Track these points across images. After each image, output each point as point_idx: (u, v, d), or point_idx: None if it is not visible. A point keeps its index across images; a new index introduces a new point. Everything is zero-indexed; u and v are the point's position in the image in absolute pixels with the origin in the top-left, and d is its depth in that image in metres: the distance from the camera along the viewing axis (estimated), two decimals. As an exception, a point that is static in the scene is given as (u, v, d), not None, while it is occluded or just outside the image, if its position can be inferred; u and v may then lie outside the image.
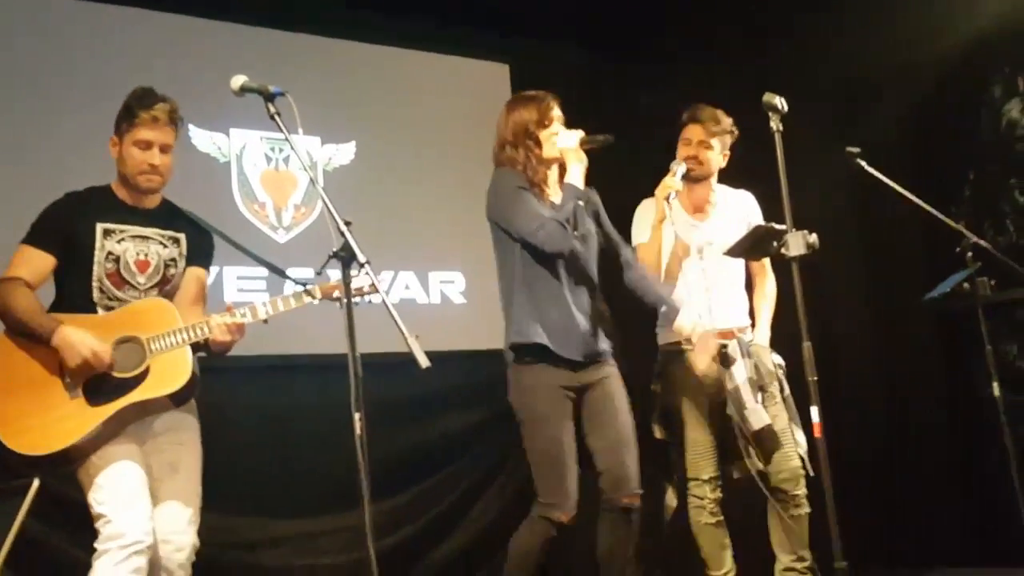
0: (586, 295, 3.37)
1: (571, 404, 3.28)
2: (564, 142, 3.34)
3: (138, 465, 2.87)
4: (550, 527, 3.21)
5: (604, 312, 3.46)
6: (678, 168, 3.74)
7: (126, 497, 2.80)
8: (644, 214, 3.85)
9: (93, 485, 2.82)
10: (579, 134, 3.35)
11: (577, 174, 3.32)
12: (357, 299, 2.80)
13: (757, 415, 3.61)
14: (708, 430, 3.71)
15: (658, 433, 3.80)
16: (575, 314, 3.30)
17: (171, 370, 2.90)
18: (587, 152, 3.35)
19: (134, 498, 2.81)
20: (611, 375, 3.38)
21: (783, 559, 3.69)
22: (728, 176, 3.95)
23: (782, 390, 3.76)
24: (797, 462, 3.65)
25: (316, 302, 3.02)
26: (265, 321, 3.02)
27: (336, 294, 2.97)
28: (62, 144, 4.27)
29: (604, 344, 3.38)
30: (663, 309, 3.73)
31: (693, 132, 3.84)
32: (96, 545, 2.77)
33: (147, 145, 3.01)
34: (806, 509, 3.66)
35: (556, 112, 3.40)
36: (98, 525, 2.79)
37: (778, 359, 3.79)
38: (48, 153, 4.26)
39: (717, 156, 3.84)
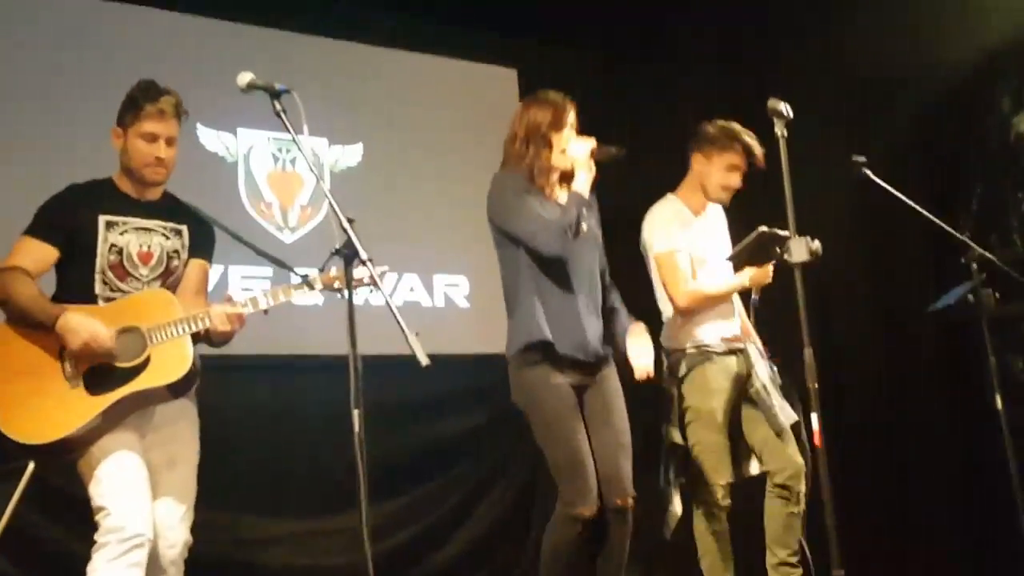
0: (590, 298, 3.39)
1: (577, 400, 3.31)
2: (575, 151, 3.35)
3: (139, 458, 2.85)
4: (576, 523, 3.22)
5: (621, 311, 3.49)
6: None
7: (127, 490, 2.78)
8: (664, 222, 3.86)
9: (93, 477, 2.80)
10: (591, 143, 3.36)
11: (584, 183, 3.34)
12: (358, 291, 2.81)
13: (786, 412, 3.69)
14: (725, 433, 3.73)
15: (676, 437, 3.76)
16: (581, 316, 3.33)
17: (171, 360, 2.89)
18: (596, 163, 3.36)
19: (134, 491, 2.79)
20: (610, 376, 3.40)
21: (779, 554, 3.69)
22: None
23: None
24: (802, 461, 3.70)
25: (318, 291, 3.01)
26: (265, 312, 3.01)
27: (337, 285, 2.96)
28: (68, 141, 4.28)
29: (604, 348, 3.40)
30: (667, 317, 3.82)
31: (739, 160, 3.80)
32: (96, 538, 2.75)
33: (153, 138, 3.00)
34: (803, 506, 3.69)
35: (571, 118, 3.41)
36: (98, 518, 2.77)
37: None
38: (53, 151, 4.27)
39: None
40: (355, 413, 2.56)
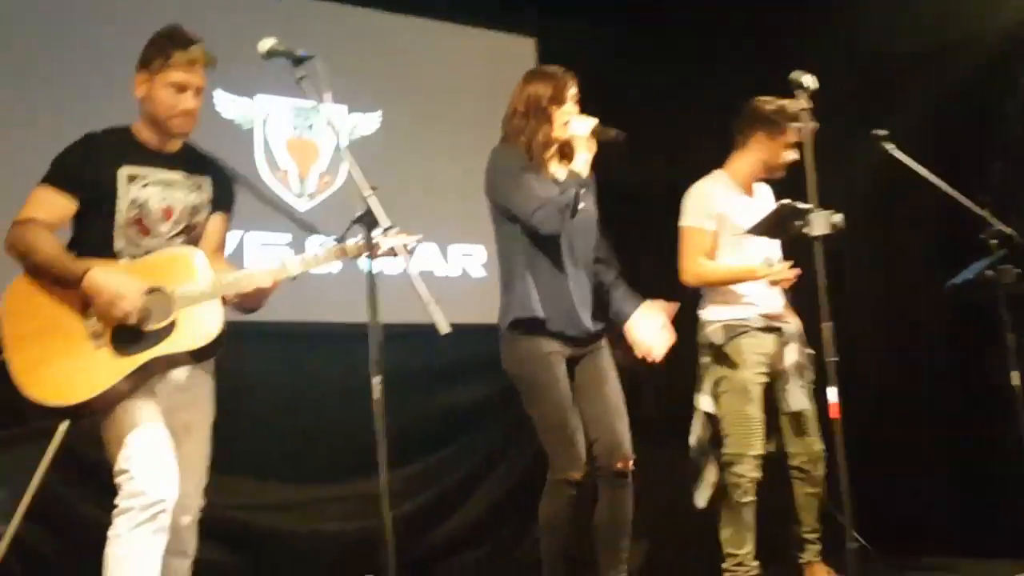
0: (584, 276, 3.42)
1: (566, 370, 3.35)
2: (577, 129, 3.34)
3: (164, 423, 2.78)
4: (567, 488, 3.27)
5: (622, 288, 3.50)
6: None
7: (153, 455, 2.71)
8: (699, 197, 3.89)
9: (118, 441, 2.71)
10: (593, 122, 3.34)
11: (583, 162, 3.33)
12: (388, 260, 2.75)
13: (796, 398, 3.75)
14: (760, 407, 3.78)
15: (707, 406, 3.82)
16: (573, 293, 3.36)
17: (200, 324, 2.77)
18: (597, 143, 3.35)
19: (161, 456, 2.72)
20: (601, 347, 3.44)
21: (797, 530, 3.89)
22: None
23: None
24: (820, 446, 3.81)
25: (352, 258, 2.85)
26: (293, 278, 2.89)
27: (370, 254, 2.75)
28: (80, 106, 4.22)
29: (596, 325, 3.43)
30: (705, 290, 3.88)
31: (797, 135, 3.75)
32: (117, 502, 2.68)
33: (182, 88, 2.84)
34: (821, 488, 3.82)
35: (572, 92, 3.40)
36: (120, 480, 2.69)
37: (808, 349, 3.89)
38: (66, 114, 4.19)
39: None
40: (375, 381, 2.55)
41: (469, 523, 5.10)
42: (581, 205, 3.32)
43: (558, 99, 3.36)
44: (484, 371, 5.11)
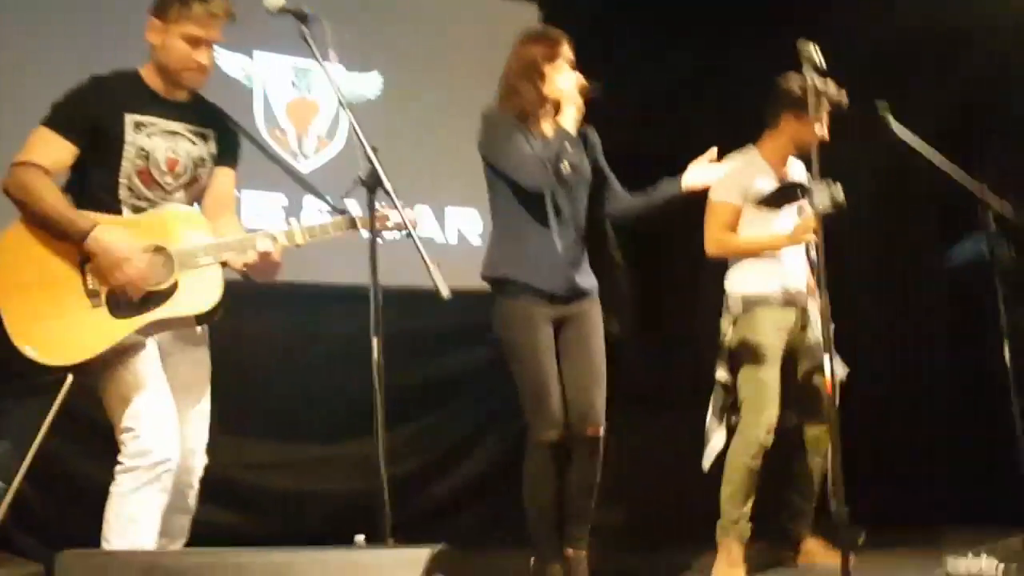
0: (572, 231, 3.45)
1: (551, 332, 3.39)
2: (562, 84, 3.38)
3: (166, 382, 2.76)
4: (543, 449, 3.34)
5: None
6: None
7: (158, 414, 2.69)
8: (731, 174, 3.82)
9: (122, 399, 2.69)
10: (578, 77, 3.38)
11: (570, 118, 3.37)
12: (394, 235, 2.76)
13: (840, 369, 3.75)
14: (778, 373, 3.82)
15: (723, 377, 3.87)
16: (558, 249, 3.39)
17: (201, 289, 2.74)
18: (584, 100, 3.38)
19: (165, 415, 2.71)
20: (590, 311, 3.47)
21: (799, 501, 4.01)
22: (749, 132, 3.96)
23: None
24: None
25: (357, 230, 2.86)
26: (298, 246, 2.86)
27: (379, 226, 2.76)
28: (76, 57, 4.17)
29: (588, 281, 3.46)
30: (744, 260, 3.90)
31: (826, 113, 3.70)
32: (120, 459, 2.68)
33: (198, 42, 2.77)
34: (825, 461, 3.88)
35: (565, 50, 3.42)
36: (124, 438, 2.68)
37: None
38: (78, 51, 4.19)
39: None
40: (374, 341, 2.56)
41: (464, 484, 5.14)
42: (566, 163, 3.34)
43: (551, 56, 3.39)
44: (481, 335, 5.12)
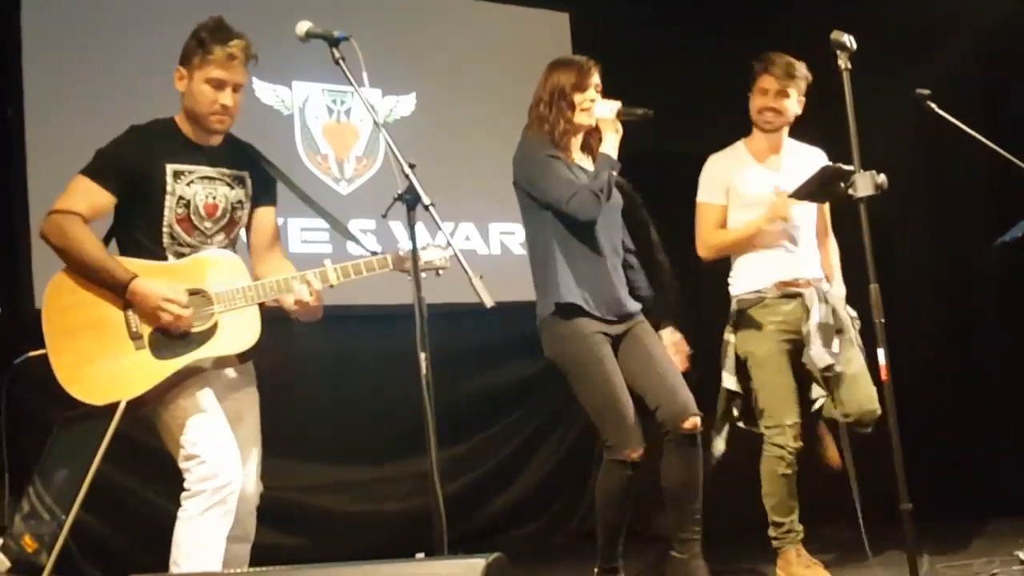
0: (616, 258, 3.45)
1: (612, 349, 3.35)
2: (601, 112, 3.37)
3: (221, 410, 2.82)
4: (623, 467, 3.27)
5: (664, 263, 3.51)
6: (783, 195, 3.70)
7: (219, 440, 2.76)
8: (713, 173, 3.87)
9: (183, 427, 2.76)
10: (617, 105, 3.37)
11: (612, 144, 3.37)
12: (425, 274, 2.78)
13: (820, 356, 3.65)
14: (789, 374, 3.73)
15: (730, 383, 3.78)
16: (610, 277, 3.39)
17: (240, 329, 2.81)
18: (624, 123, 3.36)
19: (225, 440, 2.78)
20: (644, 325, 3.46)
21: None
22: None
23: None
24: (869, 405, 3.69)
25: (390, 269, 2.92)
26: (332, 285, 2.91)
27: (407, 266, 2.81)
28: (120, 87, 4.34)
29: (634, 304, 3.46)
30: (737, 260, 3.84)
31: (769, 82, 3.78)
32: (187, 486, 2.74)
33: (220, 84, 2.84)
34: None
35: (595, 79, 3.41)
36: (189, 465, 2.74)
37: (852, 312, 3.81)
38: (108, 99, 4.30)
39: (794, 104, 3.81)
40: (421, 356, 2.56)
41: (520, 499, 5.14)
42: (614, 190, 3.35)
43: (580, 86, 3.38)
44: (529, 347, 5.12)
